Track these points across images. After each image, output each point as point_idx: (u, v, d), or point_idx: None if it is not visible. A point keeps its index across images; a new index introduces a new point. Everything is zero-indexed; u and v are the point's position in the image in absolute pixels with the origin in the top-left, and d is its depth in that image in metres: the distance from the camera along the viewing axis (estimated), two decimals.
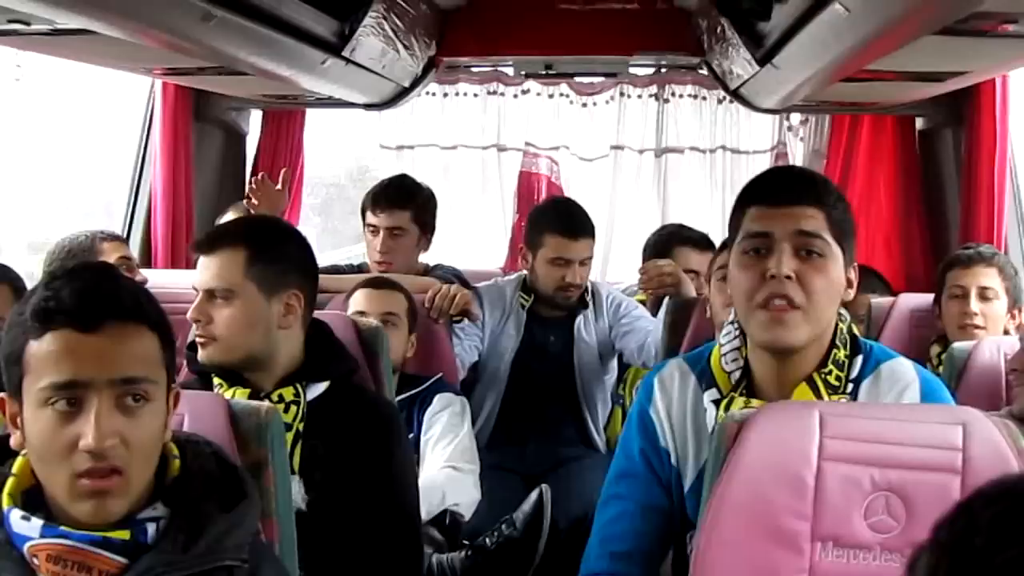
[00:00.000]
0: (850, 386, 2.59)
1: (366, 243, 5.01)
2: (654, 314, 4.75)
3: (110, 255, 4.44)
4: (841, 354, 2.59)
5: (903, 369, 2.62)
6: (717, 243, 4.48)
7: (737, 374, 2.63)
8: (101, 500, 1.99)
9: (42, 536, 1.99)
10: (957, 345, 3.74)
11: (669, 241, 5.16)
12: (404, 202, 4.97)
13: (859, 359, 2.61)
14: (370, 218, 4.95)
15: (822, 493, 2.23)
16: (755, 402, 2.56)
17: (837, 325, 2.60)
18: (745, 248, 2.56)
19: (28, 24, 3.26)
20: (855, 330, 2.67)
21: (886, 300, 4.55)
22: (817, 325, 2.52)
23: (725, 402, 2.61)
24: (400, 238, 4.90)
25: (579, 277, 4.85)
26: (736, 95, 5.27)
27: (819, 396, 2.54)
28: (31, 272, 4.28)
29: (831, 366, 2.57)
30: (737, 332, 2.67)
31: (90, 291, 2.01)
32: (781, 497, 2.23)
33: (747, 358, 2.64)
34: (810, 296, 2.48)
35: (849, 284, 2.59)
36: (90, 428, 1.95)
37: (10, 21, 3.22)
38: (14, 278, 3.35)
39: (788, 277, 2.47)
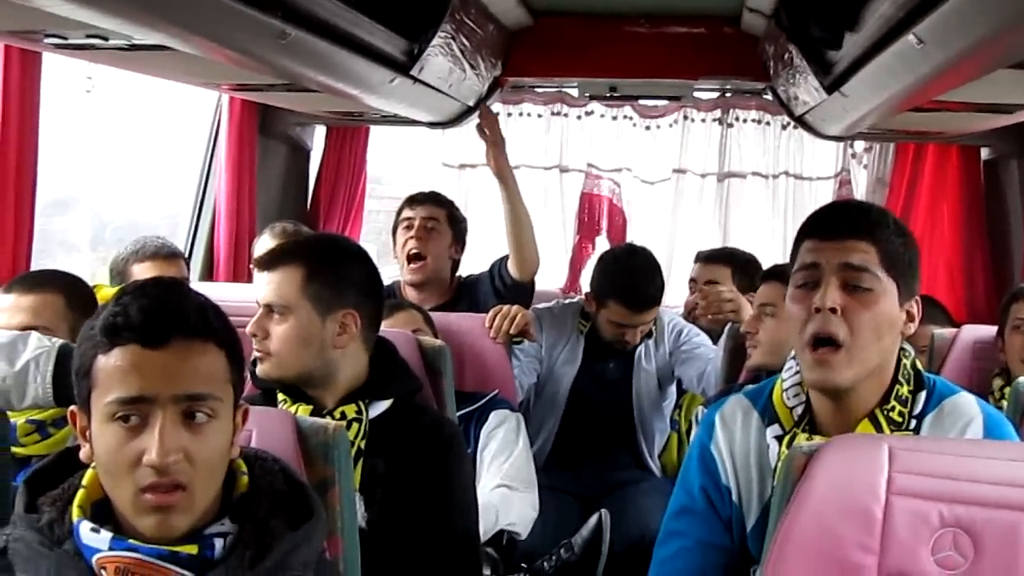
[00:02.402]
0: (913, 422, 2.58)
1: (397, 248, 4.95)
2: (714, 341, 4.74)
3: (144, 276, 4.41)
4: (904, 390, 2.58)
5: (966, 404, 2.61)
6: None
7: (799, 409, 2.63)
8: (164, 515, 2.01)
9: (111, 548, 2.01)
10: (1022, 379, 3.71)
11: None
12: (440, 201, 5.04)
13: (923, 395, 2.60)
14: (405, 213, 4.96)
15: (890, 528, 2.21)
16: (818, 438, 2.55)
17: (900, 360, 2.59)
18: (797, 282, 2.59)
19: (106, 39, 3.30)
20: (918, 364, 2.65)
21: (949, 332, 4.51)
22: (863, 364, 2.51)
23: (788, 438, 2.61)
24: (434, 232, 4.91)
25: (638, 337, 4.88)
26: (801, 121, 5.25)
27: (881, 432, 2.54)
28: None
29: (894, 402, 2.57)
30: (798, 367, 2.65)
31: (156, 307, 2.03)
32: (848, 531, 2.22)
33: (808, 395, 2.64)
34: (855, 332, 2.48)
35: (910, 318, 2.59)
36: (154, 443, 1.98)
37: (89, 36, 3.26)
38: (68, 286, 3.34)
39: (832, 310, 2.48)
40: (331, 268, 3.05)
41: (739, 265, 5.19)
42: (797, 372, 2.66)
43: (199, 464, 2.01)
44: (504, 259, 4.93)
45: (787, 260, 4.07)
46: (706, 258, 5.32)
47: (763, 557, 2.35)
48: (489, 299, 4.85)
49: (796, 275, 2.59)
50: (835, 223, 2.60)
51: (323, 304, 2.98)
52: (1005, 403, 3.78)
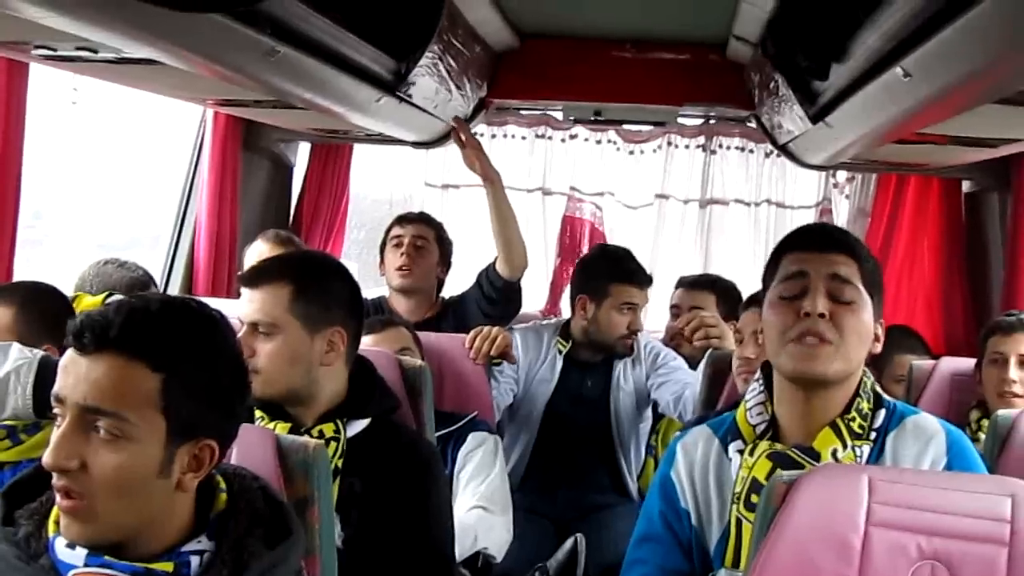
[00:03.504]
0: (873, 434, 2.63)
1: (386, 265, 5.07)
2: (693, 369, 4.75)
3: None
4: (865, 405, 2.64)
5: (928, 423, 2.67)
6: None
7: (762, 426, 2.68)
8: (68, 520, 2.01)
9: (86, 565, 2.01)
10: (1001, 413, 3.70)
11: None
12: (429, 221, 5.16)
13: (882, 412, 2.65)
14: (395, 231, 5.07)
15: (868, 559, 2.22)
16: (779, 445, 2.61)
17: (862, 378, 2.65)
18: (781, 292, 2.63)
19: (95, 52, 3.29)
20: (878, 388, 2.71)
21: (927, 363, 4.52)
22: (847, 363, 2.58)
23: (749, 448, 2.65)
24: (423, 250, 5.02)
25: (640, 322, 4.93)
26: (784, 150, 5.27)
27: (843, 441, 2.59)
28: None
29: (854, 413, 2.62)
30: (762, 388, 2.73)
31: (99, 318, 2.01)
32: (827, 561, 2.23)
33: (772, 411, 2.68)
34: (842, 334, 2.55)
35: (876, 338, 2.65)
36: (52, 444, 1.98)
37: (78, 48, 3.26)
38: (24, 300, 3.29)
39: (821, 315, 2.53)
40: (318, 286, 3.04)
41: (722, 292, 5.21)
42: (761, 391, 2.72)
43: (97, 478, 1.98)
44: (490, 265, 4.99)
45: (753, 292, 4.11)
46: (690, 284, 5.34)
47: None
48: (476, 315, 4.88)
49: (779, 287, 2.64)
50: (820, 237, 2.69)
51: (311, 322, 2.98)
52: (982, 435, 3.79)
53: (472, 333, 4.32)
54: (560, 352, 4.98)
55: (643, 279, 4.96)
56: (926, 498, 2.27)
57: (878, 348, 2.67)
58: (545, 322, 5.34)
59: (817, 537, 2.24)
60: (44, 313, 3.22)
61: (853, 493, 2.26)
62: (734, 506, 2.61)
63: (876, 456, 2.62)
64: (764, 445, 2.63)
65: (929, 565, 2.22)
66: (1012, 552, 2.22)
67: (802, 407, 2.62)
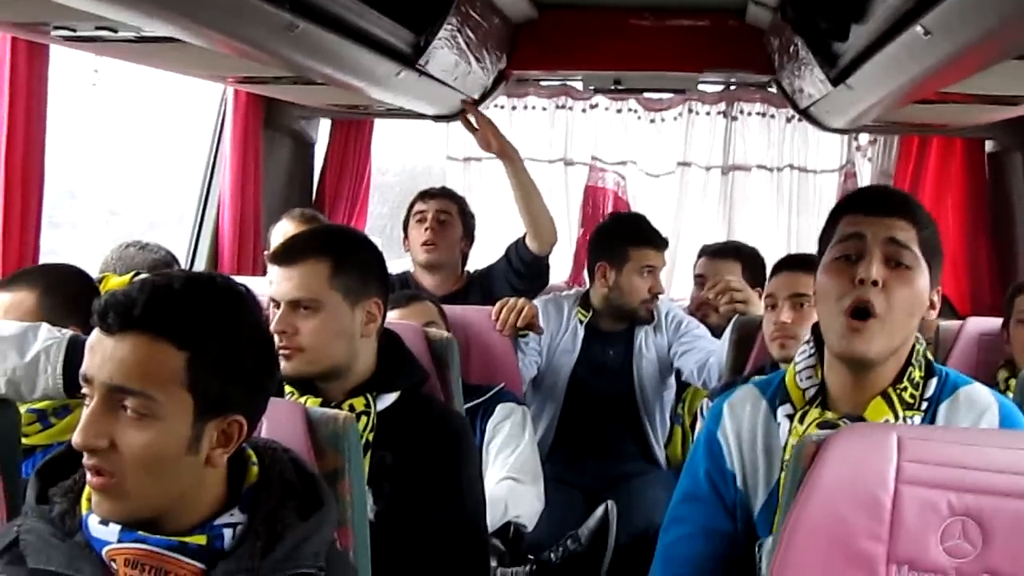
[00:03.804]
0: (924, 404, 2.59)
1: (410, 240, 5.13)
2: (717, 337, 4.74)
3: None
4: (917, 373, 2.60)
5: (981, 394, 2.62)
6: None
7: (812, 391, 2.64)
8: (99, 498, 2.02)
9: (120, 540, 2.02)
10: None
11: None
12: (452, 195, 5.22)
13: (934, 380, 2.61)
14: (418, 206, 5.12)
15: (899, 516, 2.22)
16: (829, 414, 2.58)
17: (914, 346, 2.61)
18: (836, 254, 2.59)
19: (115, 32, 3.30)
20: (929, 355, 2.66)
21: (954, 324, 4.52)
22: (894, 338, 2.54)
23: (799, 414, 2.62)
24: (447, 224, 5.07)
25: (660, 285, 4.96)
26: (806, 114, 5.24)
27: (894, 411, 2.56)
28: None
29: (906, 383, 2.58)
30: (812, 350, 2.69)
31: (123, 297, 2.02)
32: (858, 519, 2.22)
33: (823, 376, 2.65)
34: (892, 306, 2.50)
35: (932, 305, 2.60)
36: (80, 425, 1.99)
37: (98, 28, 3.26)
38: (47, 283, 3.30)
39: (875, 283, 2.49)
40: (355, 257, 3.05)
41: (747, 259, 5.20)
42: (811, 355, 2.68)
43: (126, 457, 1.99)
44: (519, 240, 5.01)
45: (792, 253, 4.10)
46: (714, 253, 5.33)
47: (773, 545, 2.36)
48: (504, 287, 4.90)
49: (836, 247, 2.59)
50: (879, 200, 2.64)
51: (351, 294, 2.99)
52: (1010, 394, 3.79)
53: (498, 305, 4.33)
54: (581, 322, 4.98)
55: (660, 241, 4.98)
56: (956, 455, 2.26)
57: (933, 315, 2.63)
58: (565, 293, 5.35)
59: (847, 496, 2.24)
60: (68, 295, 3.23)
61: (882, 451, 2.26)
62: (782, 473, 2.57)
63: None
64: (815, 413, 2.60)
65: (960, 521, 2.21)
66: None
67: (851, 378, 2.58)
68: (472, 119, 5.19)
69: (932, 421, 2.58)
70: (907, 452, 2.26)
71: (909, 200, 2.67)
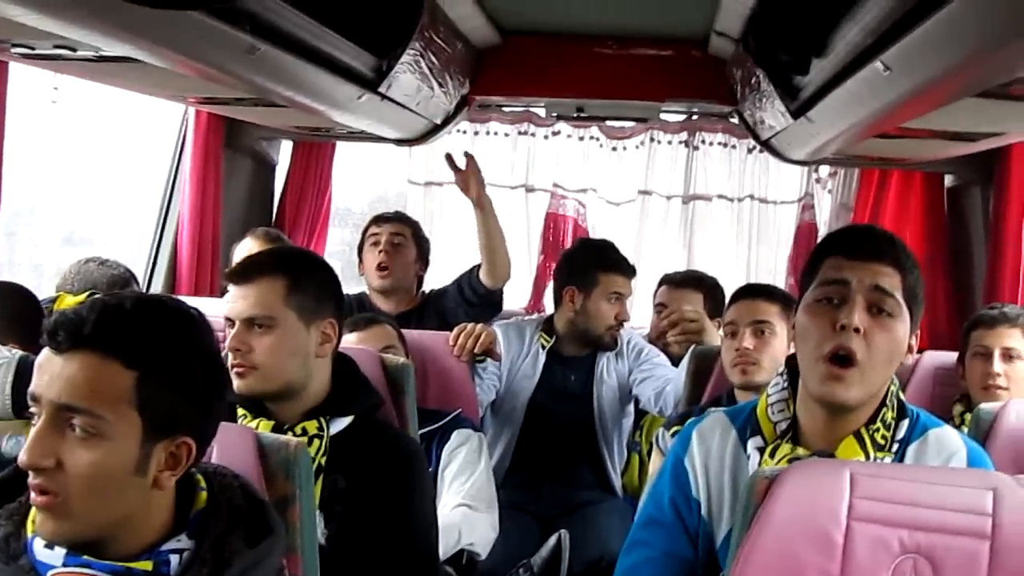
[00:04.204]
0: (895, 446, 2.60)
1: (364, 264, 5.18)
2: (676, 364, 4.75)
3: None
4: (889, 415, 2.61)
5: (951, 437, 2.64)
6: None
7: (784, 424, 2.64)
8: (43, 517, 2.00)
9: (64, 565, 2.01)
10: (984, 406, 3.71)
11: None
12: (405, 219, 5.29)
13: (905, 422, 2.62)
14: (372, 230, 5.18)
15: (850, 553, 2.23)
16: (801, 450, 2.58)
17: (889, 387, 2.62)
18: (818, 296, 2.58)
19: (74, 50, 3.28)
20: (901, 396, 2.67)
21: (910, 357, 4.52)
22: (872, 386, 2.54)
23: (770, 449, 2.62)
24: (401, 248, 5.14)
25: (627, 313, 4.96)
26: (767, 145, 5.27)
27: (866, 452, 2.56)
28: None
29: (879, 424, 2.59)
30: (785, 383, 2.68)
31: (72, 315, 2.01)
32: (809, 555, 2.23)
33: (795, 411, 2.65)
34: (872, 354, 2.50)
35: (909, 349, 2.60)
36: (27, 443, 1.98)
37: (56, 47, 3.25)
38: (8, 307, 3.29)
39: (856, 330, 2.48)
40: (310, 278, 3.05)
41: (709, 291, 5.21)
42: (784, 388, 2.68)
43: (72, 476, 1.97)
44: (473, 270, 5.02)
45: (744, 284, 4.11)
46: (676, 283, 5.33)
47: None
48: (456, 311, 4.92)
49: (818, 289, 2.58)
50: (867, 244, 2.61)
51: (306, 313, 2.98)
52: (965, 429, 3.79)
53: (456, 330, 4.32)
54: (543, 347, 4.98)
55: (629, 269, 5.00)
56: (908, 492, 2.27)
57: (910, 360, 2.65)
58: (527, 318, 5.35)
59: (799, 532, 2.25)
60: (8, 313, 3.23)
61: (835, 488, 2.27)
62: None
63: None
64: (786, 448, 2.60)
65: (911, 559, 2.22)
66: (994, 545, 2.22)
67: (825, 418, 2.58)
68: (458, 161, 5.18)
69: (901, 462, 2.58)
70: (859, 489, 2.26)
71: (895, 244, 2.63)
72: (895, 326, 2.53)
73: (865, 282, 2.52)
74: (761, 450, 2.63)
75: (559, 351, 5.00)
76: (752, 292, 4.07)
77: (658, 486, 2.75)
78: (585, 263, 5.00)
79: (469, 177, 5.12)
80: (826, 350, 2.50)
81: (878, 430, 2.58)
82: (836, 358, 2.50)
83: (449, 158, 5.19)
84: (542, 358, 4.97)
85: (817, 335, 2.53)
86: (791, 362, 2.68)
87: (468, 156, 5.21)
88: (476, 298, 5.01)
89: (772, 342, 3.92)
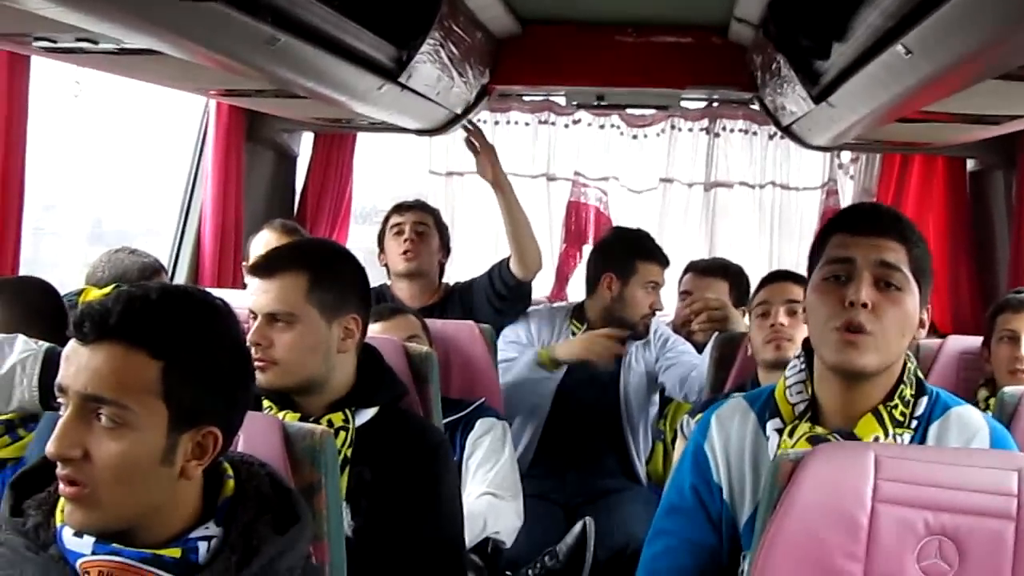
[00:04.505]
0: (914, 422, 2.59)
1: (387, 253, 5.15)
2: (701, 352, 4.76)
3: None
4: (907, 391, 2.60)
5: (973, 416, 2.62)
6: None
7: (802, 406, 2.63)
8: (71, 508, 2.01)
9: (93, 553, 2.02)
10: (1008, 390, 3.70)
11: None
12: (427, 207, 5.25)
13: (924, 399, 2.61)
14: (394, 219, 5.14)
15: (875, 535, 2.22)
16: (819, 429, 2.57)
17: (906, 364, 2.61)
18: (825, 274, 2.58)
19: (96, 43, 3.29)
20: (919, 374, 2.66)
21: (934, 342, 4.52)
22: (888, 354, 2.53)
23: (789, 428, 2.62)
24: (425, 235, 5.10)
25: (661, 302, 5.01)
26: (788, 132, 5.26)
27: (884, 428, 2.55)
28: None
29: (897, 400, 2.58)
30: (803, 365, 2.68)
31: (99, 306, 2.02)
32: (834, 537, 2.23)
33: (813, 391, 2.64)
34: (883, 327, 2.50)
35: (921, 324, 2.60)
36: (55, 434, 1.98)
37: (78, 40, 3.26)
38: (6, 296, 3.32)
39: (864, 305, 2.48)
40: (334, 273, 3.03)
41: (734, 278, 5.21)
42: (801, 370, 2.68)
43: (99, 467, 1.98)
44: (503, 262, 5.01)
45: (774, 269, 4.11)
46: (701, 270, 5.33)
47: (749, 561, 2.36)
48: (483, 305, 4.92)
49: (825, 268, 2.58)
50: (870, 220, 2.61)
51: (328, 309, 2.97)
52: (990, 413, 3.78)
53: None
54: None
55: (664, 259, 5.02)
56: (932, 474, 2.27)
57: (922, 335, 2.63)
58: (557, 305, 5.37)
59: (824, 514, 2.25)
60: (28, 307, 3.26)
61: (859, 470, 2.26)
62: None
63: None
64: (804, 427, 2.59)
65: (936, 540, 2.22)
66: (1019, 526, 2.22)
67: (843, 393, 2.58)
68: (476, 143, 5.18)
69: (922, 440, 2.58)
70: (884, 471, 2.26)
71: (899, 218, 2.64)
72: (904, 299, 2.53)
73: (870, 258, 2.52)
74: (779, 431, 2.63)
75: None
76: (784, 276, 4.11)
77: (679, 473, 2.75)
78: (624, 251, 5.02)
79: (485, 158, 5.13)
80: (835, 324, 2.51)
81: (896, 407, 2.57)
82: (849, 328, 2.50)
83: (468, 140, 5.20)
84: None
85: (826, 312, 2.53)
86: (807, 345, 2.68)
87: (477, 134, 5.21)
88: (507, 291, 5.00)
89: (803, 323, 3.93)
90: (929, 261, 2.62)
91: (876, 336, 2.50)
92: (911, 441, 2.57)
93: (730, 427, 2.70)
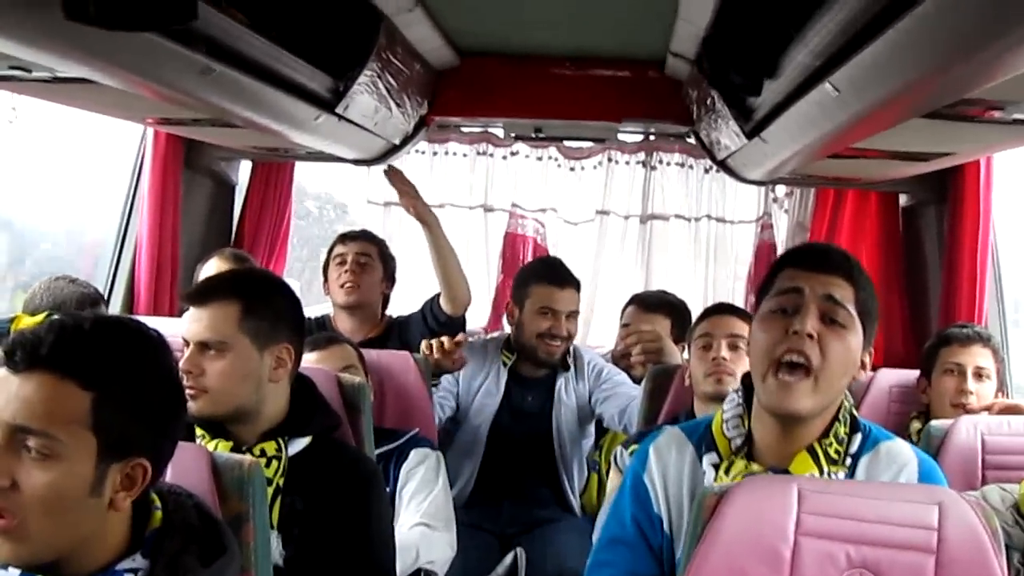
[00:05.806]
0: (848, 460, 2.62)
1: (329, 283, 5.12)
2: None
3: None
4: (842, 429, 2.63)
5: (902, 450, 2.66)
6: (696, 312, 4.52)
7: (739, 440, 2.66)
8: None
9: None
10: (935, 423, 3.76)
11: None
12: (372, 238, 5.22)
13: (858, 436, 2.64)
14: (338, 249, 5.12)
15: (798, 568, 2.25)
16: (755, 466, 2.59)
17: (842, 402, 2.64)
18: (773, 306, 2.62)
19: (29, 72, 3.28)
20: (854, 411, 2.70)
21: (863, 374, 4.55)
22: (825, 396, 2.56)
23: (725, 465, 2.64)
24: (367, 266, 5.08)
25: (565, 330, 4.94)
26: (723, 165, 5.30)
27: (819, 466, 2.57)
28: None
29: (831, 438, 2.60)
30: (740, 399, 2.71)
31: (31, 336, 2.01)
32: (757, 570, 2.25)
33: (749, 426, 2.67)
34: (826, 360, 2.52)
35: (863, 366, 2.63)
36: None
37: (11, 68, 3.24)
38: None
39: (810, 336, 2.51)
40: (266, 303, 3.05)
41: (677, 315, 5.23)
42: (739, 404, 2.70)
43: (28, 497, 1.98)
44: (435, 298, 5.00)
45: (709, 303, 4.14)
46: (644, 305, 5.33)
47: None
48: (419, 340, 4.91)
49: (772, 300, 2.62)
50: (821, 257, 2.66)
51: (260, 338, 2.98)
52: (920, 446, 3.83)
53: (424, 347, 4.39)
54: (505, 365, 5.00)
55: (561, 280, 4.98)
56: (855, 507, 2.29)
57: (862, 376, 2.66)
58: (490, 336, 5.37)
59: (747, 547, 2.27)
60: None
61: (782, 503, 2.29)
62: None
63: None
64: (740, 465, 2.62)
65: (858, 573, 2.24)
66: (940, 559, 2.25)
67: (779, 431, 2.60)
68: (394, 184, 5.13)
69: (853, 476, 2.61)
70: (807, 504, 2.29)
71: (849, 259, 2.69)
72: (848, 336, 2.56)
73: (818, 291, 2.56)
74: (716, 466, 2.65)
75: (519, 371, 5.02)
76: (727, 309, 4.13)
77: (619, 505, 2.76)
78: (521, 277, 5.08)
79: (407, 197, 5.05)
80: (778, 353, 2.53)
81: (831, 444, 2.60)
82: (789, 365, 2.52)
83: (390, 178, 5.10)
84: (504, 376, 4.99)
85: (770, 342, 2.56)
86: (746, 379, 2.71)
87: (395, 174, 5.10)
88: (439, 326, 4.98)
89: (744, 358, 3.96)
90: (876, 305, 2.65)
91: (817, 375, 2.52)
92: (844, 477, 2.60)
93: (668, 458, 2.72)
